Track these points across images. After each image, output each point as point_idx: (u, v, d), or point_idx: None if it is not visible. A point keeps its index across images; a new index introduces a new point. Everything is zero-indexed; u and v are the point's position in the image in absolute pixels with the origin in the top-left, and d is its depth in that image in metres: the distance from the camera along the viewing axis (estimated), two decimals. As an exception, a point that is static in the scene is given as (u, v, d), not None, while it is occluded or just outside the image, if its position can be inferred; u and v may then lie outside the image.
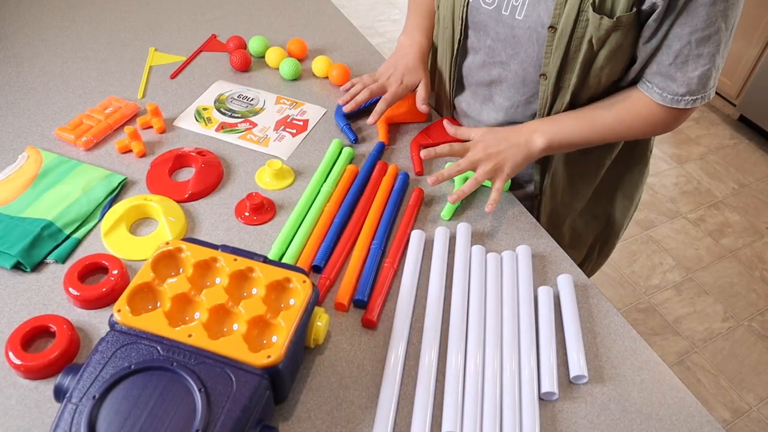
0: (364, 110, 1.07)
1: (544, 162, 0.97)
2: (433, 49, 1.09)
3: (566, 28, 0.79)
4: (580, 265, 1.11)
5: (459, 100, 1.04)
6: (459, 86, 1.02)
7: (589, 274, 1.20)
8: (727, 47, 0.80)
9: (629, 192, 1.07)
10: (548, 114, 0.90)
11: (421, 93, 0.99)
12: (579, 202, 1.04)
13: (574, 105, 0.89)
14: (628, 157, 1.02)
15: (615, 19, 0.77)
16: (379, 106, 0.96)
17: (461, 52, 0.97)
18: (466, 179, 0.93)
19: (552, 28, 0.81)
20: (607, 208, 1.07)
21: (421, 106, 0.98)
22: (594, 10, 0.77)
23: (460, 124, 1.03)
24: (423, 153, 0.88)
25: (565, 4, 0.78)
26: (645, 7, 0.77)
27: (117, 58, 1.15)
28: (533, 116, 0.93)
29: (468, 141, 0.90)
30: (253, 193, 0.86)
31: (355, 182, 0.92)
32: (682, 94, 0.82)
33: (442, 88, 1.06)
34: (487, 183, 0.93)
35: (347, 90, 1.03)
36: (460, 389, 0.67)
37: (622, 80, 0.88)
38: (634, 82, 0.87)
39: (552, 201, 1.02)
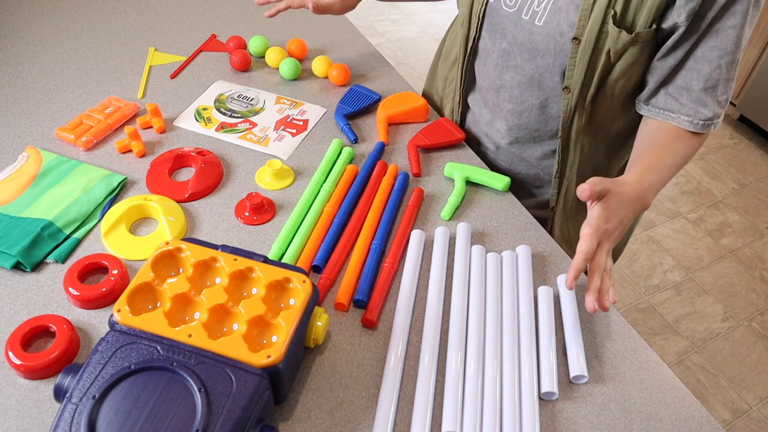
0: (365, 110, 1.07)
1: (561, 176, 0.97)
2: (440, 49, 1.08)
3: (590, 40, 0.79)
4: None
5: (470, 101, 1.04)
6: (470, 87, 1.02)
7: None
8: None
9: None
10: (570, 126, 0.90)
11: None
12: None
13: (592, 117, 0.89)
14: None
15: (634, 34, 0.77)
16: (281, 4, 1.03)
17: (473, 52, 0.96)
18: (465, 180, 0.93)
19: (576, 39, 0.80)
20: None
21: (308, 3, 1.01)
22: (614, 23, 0.77)
23: (463, 130, 1.02)
24: (570, 282, 0.71)
25: (589, 16, 0.78)
26: (665, 25, 0.77)
27: (117, 58, 1.15)
28: (547, 122, 0.92)
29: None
30: (253, 193, 0.86)
31: (355, 182, 0.92)
32: (710, 118, 0.81)
33: (452, 88, 1.05)
34: (490, 184, 0.93)
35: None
36: (460, 389, 0.67)
37: (636, 96, 0.88)
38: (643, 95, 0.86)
39: (564, 213, 1.02)
